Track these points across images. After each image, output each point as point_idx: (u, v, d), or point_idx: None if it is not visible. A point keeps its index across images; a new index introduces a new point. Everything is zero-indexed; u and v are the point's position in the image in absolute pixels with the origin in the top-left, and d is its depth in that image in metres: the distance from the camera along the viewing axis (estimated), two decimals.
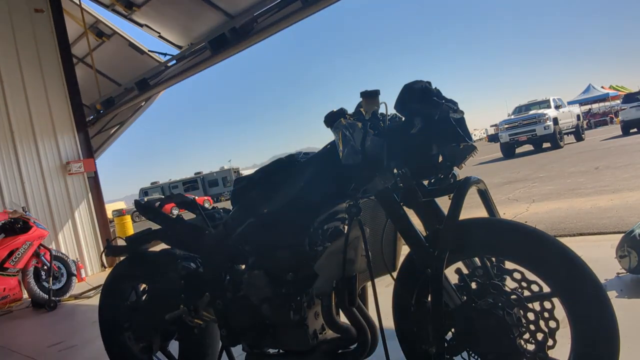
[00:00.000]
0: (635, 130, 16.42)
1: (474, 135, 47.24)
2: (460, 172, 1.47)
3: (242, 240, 1.70)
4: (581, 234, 3.95)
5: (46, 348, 3.53)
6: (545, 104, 16.97)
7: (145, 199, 23.80)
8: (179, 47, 7.83)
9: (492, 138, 35.75)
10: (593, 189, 6.15)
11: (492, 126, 42.54)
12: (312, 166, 1.55)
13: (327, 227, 1.64)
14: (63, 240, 6.90)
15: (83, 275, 6.25)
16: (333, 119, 1.46)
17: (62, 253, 5.61)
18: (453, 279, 1.42)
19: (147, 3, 7.27)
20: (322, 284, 1.54)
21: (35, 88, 6.91)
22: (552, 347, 1.28)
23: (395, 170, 1.43)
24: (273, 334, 1.69)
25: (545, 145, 16.01)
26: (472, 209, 1.59)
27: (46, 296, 5.04)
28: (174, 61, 7.55)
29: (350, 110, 1.50)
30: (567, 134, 17.15)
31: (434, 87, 1.41)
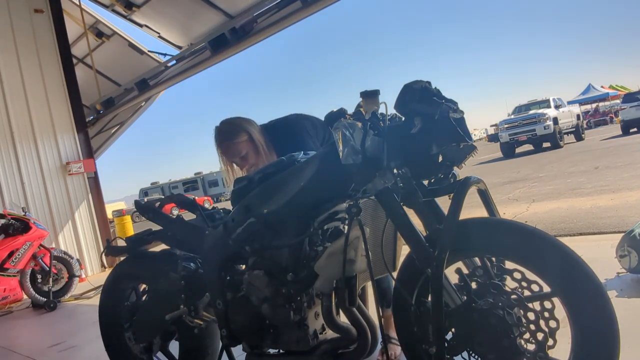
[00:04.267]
0: (635, 129, 16.42)
1: (474, 135, 47.17)
2: (460, 172, 1.46)
3: (242, 240, 1.70)
4: (581, 234, 3.96)
5: (46, 348, 3.53)
6: (545, 103, 16.99)
7: (145, 199, 23.81)
8: (179, 47, 7.83)
9: (492, 138, 35.69)
10: (593, 188, 6.16)
11: (492, 126, 42.45)
12: (312, 166, 1.55)
13: (327, 227, 1.64)
14: (63, 240, 6.90)
15: (83, 275, 6.24)
16: (333, 119, 1.46)
17: (65, 253, 5.54)
18: (453, 279, 1.42)
19: (147, 3, 7.27)
20: (322, 284, 1.54)
21: (35, 88, 6.91)
22: (552, 347, 1.28)
23: (395, 170, 1.42)
24: (273, 334, 1.69)
25: (545, 145, 16.02)
26: (472, 209, 1.59)
27: (43, 299, 5.04)
28: (174, 61, 7.56)
29: (350, 110, 1.50)
30: (567, 133, 17.16)
31: (433, 86, 1.41)
